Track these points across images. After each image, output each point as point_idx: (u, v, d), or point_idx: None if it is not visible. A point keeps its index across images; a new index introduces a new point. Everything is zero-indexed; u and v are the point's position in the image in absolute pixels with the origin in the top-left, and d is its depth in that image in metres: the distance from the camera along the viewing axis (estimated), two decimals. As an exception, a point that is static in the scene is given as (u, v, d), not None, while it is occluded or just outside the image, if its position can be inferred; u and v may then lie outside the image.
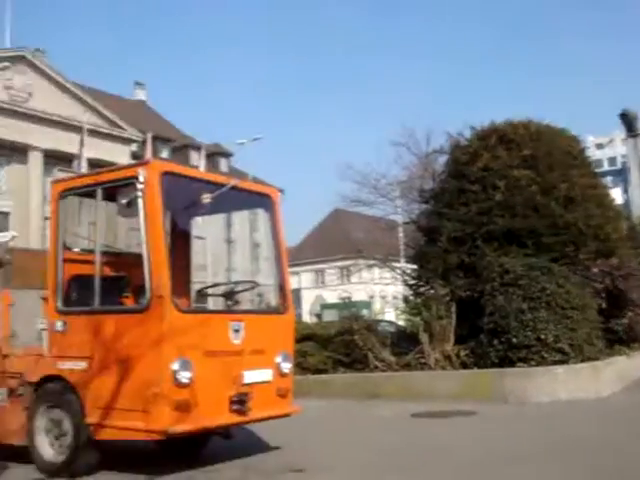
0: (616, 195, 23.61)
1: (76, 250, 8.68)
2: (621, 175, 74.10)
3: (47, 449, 8.06)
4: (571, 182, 15.61)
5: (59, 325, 7.97)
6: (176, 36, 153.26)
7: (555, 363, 13.07)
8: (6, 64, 40.81)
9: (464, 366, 14.22)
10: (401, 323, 21.00)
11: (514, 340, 13.36)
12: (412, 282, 18.14)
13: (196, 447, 9.10)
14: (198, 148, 54.81)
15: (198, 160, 49.07)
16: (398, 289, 41.37)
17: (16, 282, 8.74)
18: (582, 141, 18.88)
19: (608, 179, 56.96)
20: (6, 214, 50.35)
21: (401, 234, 31.97)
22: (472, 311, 14.35)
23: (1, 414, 8.62)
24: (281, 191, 9.08)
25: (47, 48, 60.29)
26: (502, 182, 15.41)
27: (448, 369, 14.28)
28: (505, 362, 13.45)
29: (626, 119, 32.62)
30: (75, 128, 45.70)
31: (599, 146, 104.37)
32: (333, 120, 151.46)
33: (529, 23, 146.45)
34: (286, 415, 8.72)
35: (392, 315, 27.82)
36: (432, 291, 15.57)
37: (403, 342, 15.86)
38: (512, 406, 12.21)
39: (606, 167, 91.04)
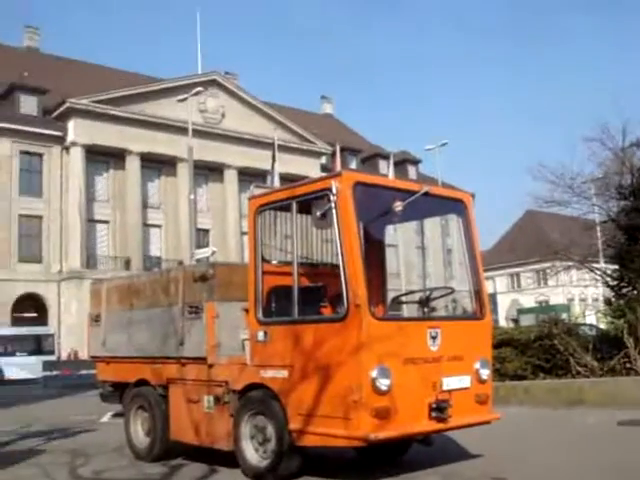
0: None
1: (274, 262, 8.92)
2: None
3: (252, 454, 8.34)
4: None
5: (260, 335, 8.21)
6: (358, 48, 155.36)
7: None
8: (199, 89, 42.58)
9: (674, 371, 13.51)
10: (603, 326, 20.23)
11: None
12: (614, 283, 17.47)
13: (395, 454, 9.12)
14: (386, 157, 55.01)
15: (387, 169, 49.45)
16: (598, 291, 39.76)
17: (219, 295, 9.08)
18: None
19: None
20: (206, 231, 52.71)
21: (599, 233, 30.69)
22: (681, 312, 13.62)
23: (209, 420, 9.00)
24: (472, 195, 8.92)
25: (236, 70, 62.66)
26: None
27: (657, 374, 13.60)
28: None
29: None
30: (266, 145, 47.16)
31: None
32: (521, 120, 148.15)
33: None
34: (486, 422, 8.57)
35: (593, 318, 26.81)
36: (635, 292, 14.92)
37: (606, 346, 15.28)
38: None
39: None
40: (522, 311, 60.95)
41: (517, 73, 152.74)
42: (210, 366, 8.95)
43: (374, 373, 7.18)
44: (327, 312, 8.56)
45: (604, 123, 27.09)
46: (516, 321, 56.65)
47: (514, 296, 78.81)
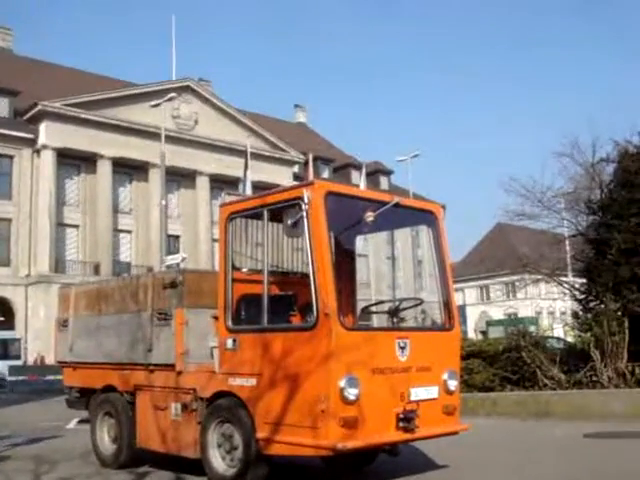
0: None
1: (244, 270, 8.90)
2: None
3: (219, 462, 8.30)
4: None
5: (229, 343, 8.20)
6: (332, 58, 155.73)
7: None
8: (173, 94, 42.48)
9: (639, 384, 13.63)
10: (570, 339, 20.39)
11: (695, 357, 12.72)
12: (581, 297, 17.64)
13: (362, 464, 9.13)
14: (358, 167, 55.23)
15: (359, 179, 49.56)
16: (566, 304, 40.16)
17: (188, 302, 9.06)
18: None
19: None
20: (177, 237, 52.52)
21: (568, 247, 30.99)
22: (647, 326, 13.76)
23: (176, 428, 8.96)
24: (443, 207, 8.96)
25: (210, 77, 62.66)
26: (676, 190, 14.70)
27: (622, 387, 13.73)
28: (685, 380, 12.82)
29: None
30: (239, 152, 47.16)
31: None
32: (494, 132, 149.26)
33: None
34: (453, 433, 8.59)
35: (560, 331, 27.04)
36: (603, 306, 15.04)
37: (573, 359, 15.40)
38: (694, 427, 11.57)
39: None
40: (491, 323, 61.35)
41: (492, 87, 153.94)
42: (178, 373, 8.92)
43: (342, 383, 7.19)
44: (297, 321, 8.56)
45: (575, 139, 27.49)
46: (485, 333, 56.97)
47: (483, 308, 79.40)
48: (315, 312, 7.32)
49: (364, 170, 44.45)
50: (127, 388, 9.86)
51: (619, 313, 14.39)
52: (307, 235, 7.53)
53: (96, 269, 46.82)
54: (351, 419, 7.27)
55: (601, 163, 23.27)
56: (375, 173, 65.44)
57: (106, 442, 10.24)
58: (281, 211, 7.93)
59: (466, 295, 79.74)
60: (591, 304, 16.37)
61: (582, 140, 27.06)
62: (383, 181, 67.50)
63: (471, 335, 62.03)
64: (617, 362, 13.94)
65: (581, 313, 16.87)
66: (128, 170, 50.95)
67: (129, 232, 51.23)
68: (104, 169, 48.60)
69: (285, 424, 7.55)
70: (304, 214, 7.54)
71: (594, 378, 14.16)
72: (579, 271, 21.45)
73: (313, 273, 7.42)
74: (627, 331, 13.92)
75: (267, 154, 56.40)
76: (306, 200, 7.54)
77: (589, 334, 14.74)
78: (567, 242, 30.65)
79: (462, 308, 68.37)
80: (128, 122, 49.05)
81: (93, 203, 48.62)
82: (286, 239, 9.09)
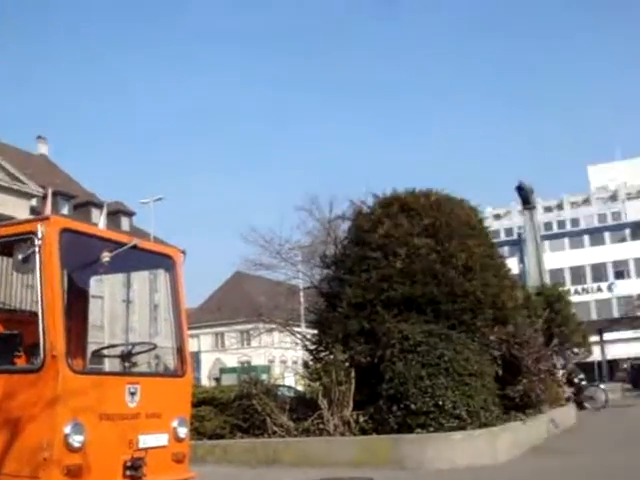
0: (512, 265, 24.26)
1: (-33, 306, 8.36)
2: (517, 245, 76.06)
3: None
4: (469, 251, 15.94)
5: (-55, 384, 7.61)
6: (77, 88, 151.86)
7: (452, 429, 13.17)
8: None
9: (363, 432, 14.17)
10: (300, 388, 20.87)
11: (413, 406, 13.44)
12: (312, 347, 18.09)
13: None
14: (100, 205, 53.97)
15: (99, 218, 48.42)
16: (298, 354, 41.30)
17: None
18: (481, 212, 19.37)
19: (505, 249, 59.01)
20: None
21: (302, 299, 32.01)
22: (372, 377, 14.39)
23: None
24: (183, 252, 8.91)
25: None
26: (403, 250, 15.61)
27: (347, 435, 14.21)
28: (404, 428, 13.48)
29: (522, 192, 34.05)
30: (-28, 182, 44.54)
31: (497, 217, 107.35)
32: (236, 182, 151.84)
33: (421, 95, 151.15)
34: (181, 481, 8.48)
35: (292, 380, 27.69)
36: (332, 356, 15.53)
37: (302, 407, 15.72)
38: (410, 472, 12.20)
39: (503, 237, 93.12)
40: (225, 370, 61.79)
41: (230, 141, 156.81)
42: None
43: (67, 429, 6.87)
44: (22, 362, 8.10)
45: (314, 195, 28.71)
46: (218, 380, 57.17)
47: (218, 355, 79.90)
48: (42, 354, 6.98)
49: (105, 209, 43.19)
50: None
51: (347, 364, 14.92)
52: (38, 272, 7.21)
53: None
54: (75, 467, 6.96)
55: (337, 220, 24.35)
56: (117, 213, 64.31)
57: None
58: (12, 245, 7.55)
59: (201, 342, 79.80)
60: (321, 354, 16.84)
61: (321, 198, 28.32)
62: (125, 222, 66.41)
63: (205, 382, 62.04)
64: (343, 410, 14.42)
65: (311, 363, 17.30)
66: None
67: None
68: None
69: (3, 474, 7.07)
70: (36, 249, 7.20)
71: (321, 426, 14.54)
72: (311, 322, 22.08)
73: (42, 312, 7.09)
74: (353, 381, 14.45)
75: (5, 185, 53.57)
76: (40, 235, 7.22)
77: (318, 383, 15.13)
78: (302, 294, 31.67)
79: (197, 354, 68.25)
80: None
81: None
82: (16, 275, 8.65)
